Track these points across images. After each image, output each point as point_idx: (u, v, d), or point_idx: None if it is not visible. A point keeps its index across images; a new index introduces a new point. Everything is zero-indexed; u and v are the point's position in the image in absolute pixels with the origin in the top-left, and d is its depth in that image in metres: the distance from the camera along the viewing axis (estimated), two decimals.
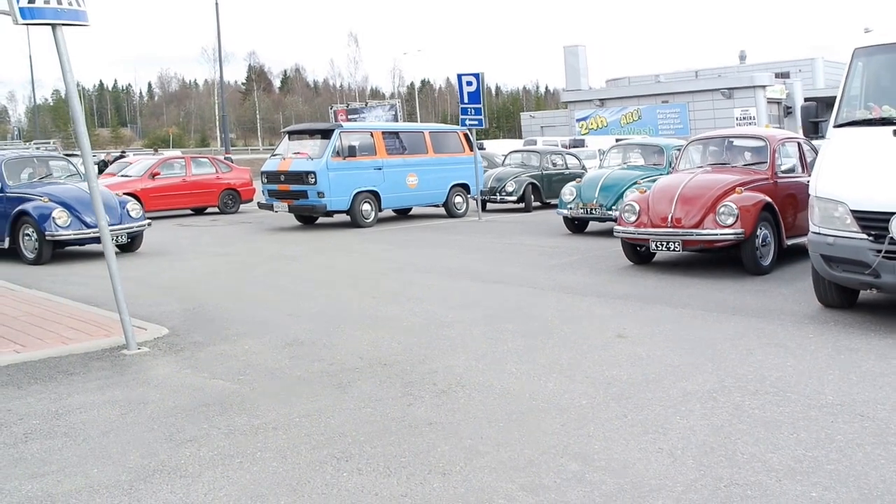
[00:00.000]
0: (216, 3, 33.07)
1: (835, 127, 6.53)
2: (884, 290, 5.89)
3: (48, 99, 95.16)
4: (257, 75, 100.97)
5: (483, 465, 3.53)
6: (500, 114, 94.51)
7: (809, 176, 9.65)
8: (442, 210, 16.57)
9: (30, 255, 10.65)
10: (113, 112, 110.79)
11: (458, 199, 16.58)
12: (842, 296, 6.53)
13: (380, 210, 15.10)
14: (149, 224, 11.68)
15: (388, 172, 15.12)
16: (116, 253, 9.52)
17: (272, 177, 14.88)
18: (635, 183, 12.45)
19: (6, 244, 10.87)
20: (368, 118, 45.75)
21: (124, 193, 17.42)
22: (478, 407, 4.32)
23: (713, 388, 4.53)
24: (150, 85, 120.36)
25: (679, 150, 13.77)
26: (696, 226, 8.37)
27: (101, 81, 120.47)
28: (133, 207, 11.47)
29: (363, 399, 4.50)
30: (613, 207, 12.19)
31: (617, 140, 35.17)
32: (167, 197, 18.01)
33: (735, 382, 4.64)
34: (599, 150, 31.93)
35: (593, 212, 12.49)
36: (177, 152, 29.63)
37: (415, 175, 15.58)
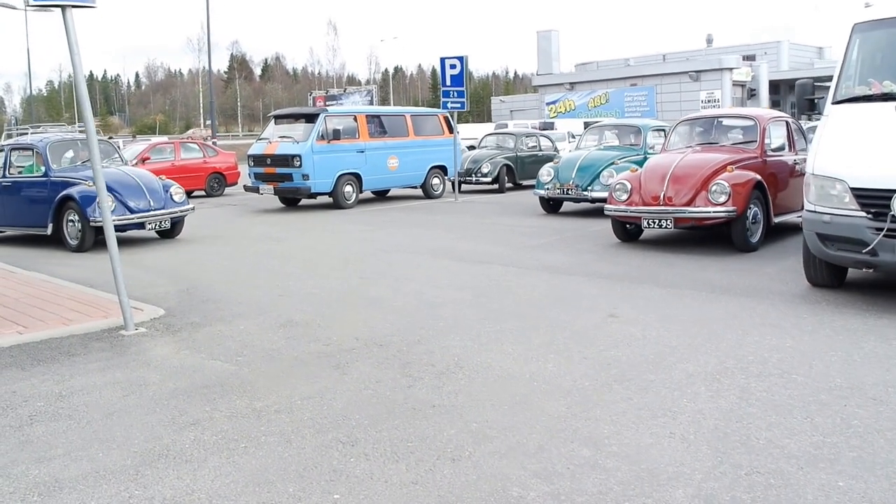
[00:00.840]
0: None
1: (833, 104, 6.27)
2: (880, 269, 5.71)
3: (42, 90, 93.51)
4: (239, 64, 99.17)
5: (492, 451, 3.30)
6: (472, 99, 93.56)
7: (796, 155, 9.60)
8: (419, 191, 16.32)
9: (73, 242, 9.80)
10: (102, 101, 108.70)
11: (435, 181, 16.34)
12: (832, 275, 6.34)
13: (360, 191, 14.80)
14: (192, 208, 10.75)
15: (370, 155, 14.80)
16: (156, 237, 10.63)
17: (258, 160, 14.49)
18: (612, 163, 12.27)
19: (49, 230, 10.00)
20: (346, 104, 45.20)
21: None
22: (479, 389, 4.09)
23: (715, 370, 4.34)
24: (137, 75, 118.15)
25: (659, 130, 13.68)
26: (688, 204, 8.20)
27: (91, 72, 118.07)
28: (177, 192, 10.53)
29: (363, 381, 4.25)
30: (589, 188, 12.01)
31: (585, 123, 35.13)
32: None
33: (736, 364, 4.45)
34: (569, 133, 31.96)
35: (570, 192, 12.27)
36: (163, 138, 28.92)
37: (395, 157, 15.29)
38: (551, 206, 12.88)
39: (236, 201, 16.80)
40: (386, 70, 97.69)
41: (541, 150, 18.88)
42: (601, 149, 13.25)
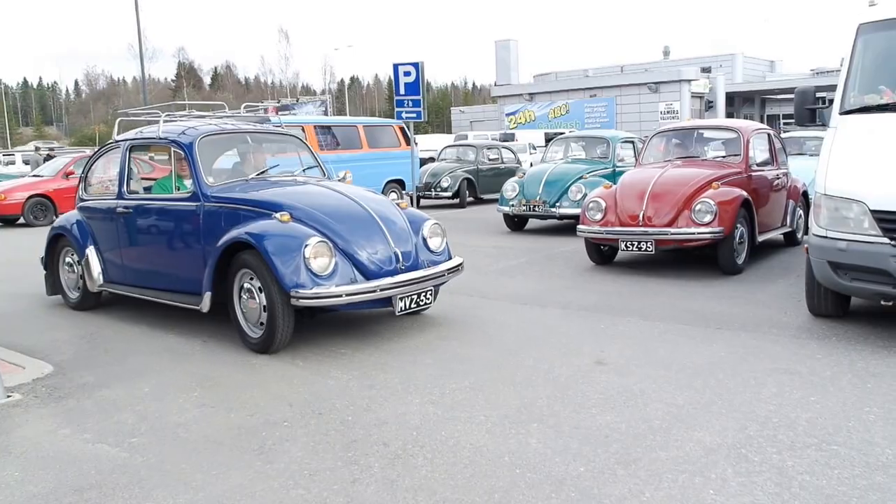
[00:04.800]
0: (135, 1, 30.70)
1: (841, 114, 5.54)
2: None
3: None
4: (186, 72, 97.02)
5: None
6: (431, 109, 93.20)
7: (778, 169, 8.92)
8: None
9: (254, 334, 5.18)
10: (37, 110, 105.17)
11: (392, 196, 15.39)
12: (837, 305, 5.65)
13: None
14: (460, 264, 5.94)
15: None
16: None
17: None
18: (581, 178, 11.51)
19: (206, 303, 5.41)
20: (299, 114, 44.06)
21: (35, 195, 15.72)
22: (444, 480, 3.16)
23: (738, 441, 3.49)
24: (76, 83, 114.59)
25: (628, 142, 12.97)
26: (670, 224, 7.40)
27: (25, 79, 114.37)
28: (432, 231, 5.82)
29: (292, 473, 3.27)
30: (557, 204, 11.23)
31: (546, 134, 34.55)
32: None
33: (760, 430, 3.61)
34: (530, 144, 31.34)
35: (536, 208, 11.46)
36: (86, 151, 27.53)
37: (348, 171, 14.30)
38: (516, 223, 12.07)
39: None
40: (341, 80, 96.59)
41: (503, 162, 18.16)
42: (568, 162, 12.49)
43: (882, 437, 3.48)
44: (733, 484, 3.06)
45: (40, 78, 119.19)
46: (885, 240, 4.80)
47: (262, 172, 6.15)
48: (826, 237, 5.10)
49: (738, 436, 3.55)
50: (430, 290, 5.44)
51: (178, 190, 5.94)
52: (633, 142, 13.13)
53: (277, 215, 5.14)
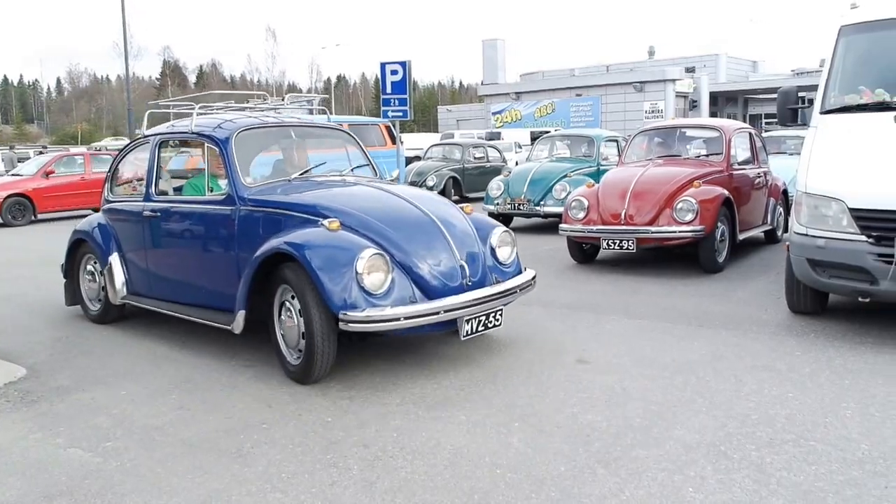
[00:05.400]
0: None
1: (822, 113, 5.56)
2: (879, 299, 4.99)
3: None
4: (171, 70, 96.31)
5: None
6: (417, 108, 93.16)
7: (759, 167, 8.94)
8: None
9: (293, 359, 4.46)
10: (18, 108, 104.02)
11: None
12: (815, 302, 5.70)
13: None
14: (533, 278, 5.09)
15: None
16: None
17: (178, 177, 13.25)
18: (565, 176, 11.53)
19: (239, 323, 4.64)
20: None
21: (14, 195, 15.53)
22: (424, 481, 3.13)
23: (717, 438, 3.48)
24: (59, 80, 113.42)
25: (612, 140, 13.00)
26: (651, 222, 7.41)
27: (5, 76, 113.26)
28: (502, 239, 4.98)
29: (270, 476, 3.23)
30: (542, 202, 11.24)
31: (532, 133, 34.57)
32: (63, 197, 16.05)
33: (740, 427, 3.60)
34: (516, 143, 31.36)
35: (521, 207, 11.48)
36: (82, 149, 27.22)
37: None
38: (501, 221, 12.01)
39: None
40: (328, 78, 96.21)
41: (488, 161, 18.15)
42: (553, 161, 12.51)
43: (858, 433, 3.49)
44: (712, 481, 3.05)
45: (21, 75, 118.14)
46: (863, 237, 4.82)
47: (307, 171, 5.41)
48: (806, 235, 5.12)
49: (717, 433, 3.54)
50: (501, 309, 4.66)
51: (212, 191, 5.26)
52: (617, 140, 13.16)
53: (325, 222, 4.39)
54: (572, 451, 3.39)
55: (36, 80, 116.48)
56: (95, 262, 6.20)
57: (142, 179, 5.91)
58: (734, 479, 3.07)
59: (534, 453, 3.37)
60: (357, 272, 4.13)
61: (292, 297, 4.38)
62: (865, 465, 3.17)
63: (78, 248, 6.35)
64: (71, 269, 6.42)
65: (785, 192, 9.57)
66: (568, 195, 10.34)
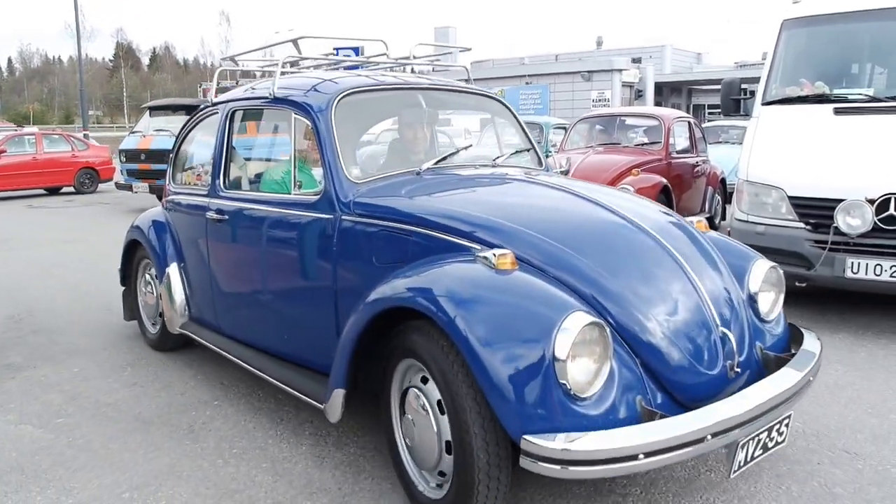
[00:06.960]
0: None
1: (763, 104, 5.73)
2: (815, 283, 5.19)
3: None
4: (124, 52, 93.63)
5: None
6: None
7: (698, 156, 9.15)
8: None
9: (431, 489, 2.55)
10: None
11: None
12: None
13: None
14: (820, 358, 2.85)
15: (260, 153, 13.52)
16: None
17: (132, 155, 12.97)
18: None
19: (336, 408, 2.77)
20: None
21: None
22: (373, 457, 3.18)
23: None
24: (10, 60, 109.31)
25: (561, 128, 13.12)
26: None
27: None
28: (766, 282, 3.01)
29: (222, 450, 3.23)
30: None
31: (482, 120, 34.55)
32: (15, 176, 15.63)
33: None
34: (465, 129, 31.39)
35: None
36: (34, 129, 26.34)
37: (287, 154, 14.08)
38: None
39: (109, 199, 15.13)
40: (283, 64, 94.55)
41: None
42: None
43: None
44: None
45: None
46: (801, 224, 5.03)
47: (444, 159, 3.45)
48: (747, 221, 5.30)
49: None
50: (789, 416, 2.53)
51: (300, 187, 3.36)
52: (565, 128, 13.27)
53: (489, 254, 2.42)
54: None
55: None
56: (153, 270, 4.64)
57: (206, 165, 4.19)
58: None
59: None
60: (556, 358, 2.13)
61: (424, 382, 2.55)
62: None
63: (134, 250, 4.84)
64: (129, 276, 4.99)
65: (723, 180, 9.80)
66: None
